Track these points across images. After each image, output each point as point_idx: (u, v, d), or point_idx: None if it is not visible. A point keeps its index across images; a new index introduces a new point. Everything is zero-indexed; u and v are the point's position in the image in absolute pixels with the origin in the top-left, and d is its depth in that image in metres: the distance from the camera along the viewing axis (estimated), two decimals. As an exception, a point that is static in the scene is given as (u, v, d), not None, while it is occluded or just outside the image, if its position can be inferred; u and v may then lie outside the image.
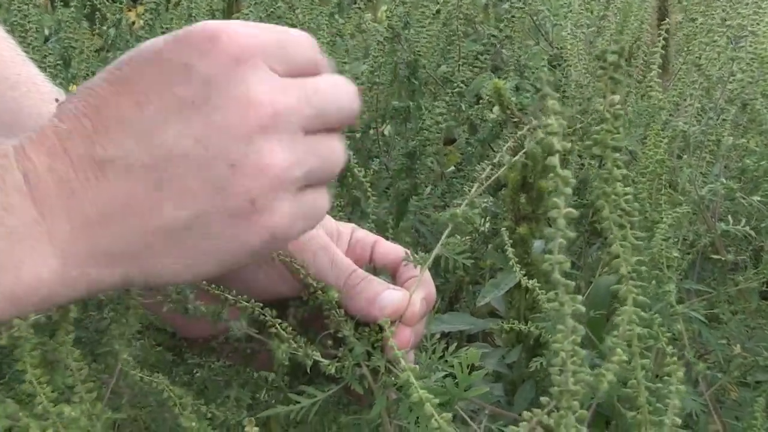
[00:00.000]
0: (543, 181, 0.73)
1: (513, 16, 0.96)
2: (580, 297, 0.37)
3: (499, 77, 1.02)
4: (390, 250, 0.61)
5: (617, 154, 0.38)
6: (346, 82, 0.51)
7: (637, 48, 0.82)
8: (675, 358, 0.45)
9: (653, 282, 0.63)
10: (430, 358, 0.57)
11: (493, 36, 0.93)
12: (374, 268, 0.60)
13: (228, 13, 1.29)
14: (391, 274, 0.60)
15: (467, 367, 0.52)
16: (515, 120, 0.72)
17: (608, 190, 0.39)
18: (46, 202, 0.44)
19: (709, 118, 0.65)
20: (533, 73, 0.98)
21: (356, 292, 0.57)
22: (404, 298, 0.56)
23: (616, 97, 0.37)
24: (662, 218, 0.62)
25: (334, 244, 0.59)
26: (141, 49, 0.46)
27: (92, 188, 0.44)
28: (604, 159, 0.38)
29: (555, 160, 0.37)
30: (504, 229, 0.76)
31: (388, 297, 0.56)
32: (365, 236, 0.62)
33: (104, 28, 1.00)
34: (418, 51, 0.91)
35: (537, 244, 0.81)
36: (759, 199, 0.73)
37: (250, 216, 0.46)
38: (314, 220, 0.50)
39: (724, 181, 0.70)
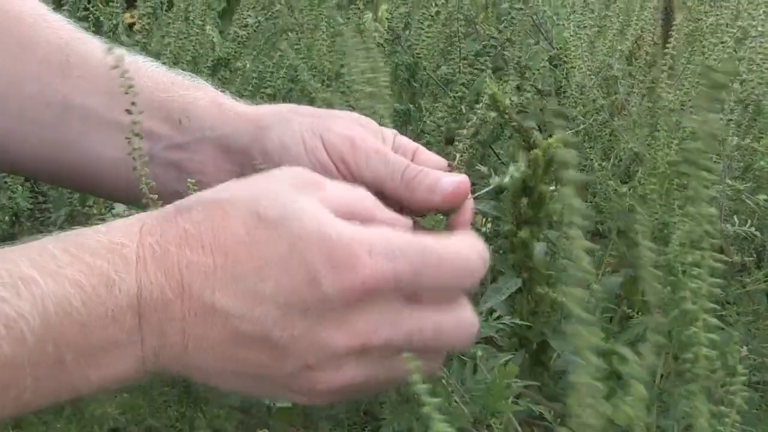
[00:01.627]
0: (544, 185, 0.72)
1: (513, 18, 0.95)
2: (599, 331, 0.37)
3: (500, 78, 1.01)
4: (431, 158, 0.63)
5: (706, 173, 0.37)
6: (471, 324, 0.53)
7: (639, 48, 0.81)
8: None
9: (668, 288, 0.62)
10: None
11: (494, 38, 0.92)
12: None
13: (228, 12, 1.28)
14: None
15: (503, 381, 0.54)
16: (513, 124, 0.71)
17: (693, 211, 0.38)
18: (148, 317, 0.48)
19: (719, 119, 0.64)
20: (534, 74, 0.97)
21: (416, 183, 0.59)
22: (464, 179, 0.59)
23: (715, 117, 0.35)
24: (675, 223, 0.61)
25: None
26: (288, 216, 0.49)
27: (190, 323, 0.48)
28: (690, 177, 0.37)
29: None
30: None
31: (448, 180, 0.58)
32: (407, 143, 0.64)
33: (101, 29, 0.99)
34: (419, 54, 0.90)
35: (538, 249, 0.80)
36: (765, 198, 0.73)
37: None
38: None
39: (730, 182, 0.69)
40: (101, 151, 0.67)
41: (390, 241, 0.49)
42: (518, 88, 0.99)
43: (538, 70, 0.97)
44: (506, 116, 0.71)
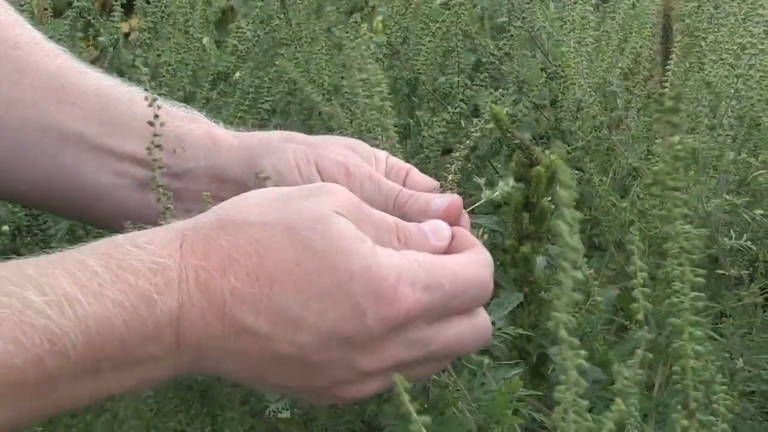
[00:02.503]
0: (545, 201, 0.73)
1: (512, 35, 0.96)
2: (583, 352, 0.38)
3: (496, 89, 1.02)
4: (422, 179, 0.65)
5: (677, 194, 0.39)
6: (486, 328, 0.56)
7: (637, 64, 0.82)
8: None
9: (666, 301, 0.63)
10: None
11: (492, 54, 0.93)
12: None
13: (223, 22, 1.28)
14: None
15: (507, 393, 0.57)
16: (516, 142, 0.71)
17: (668, 229, 0.40)
18: (187, 335, 0.49)
19: (718, 135, 0.65)
20: (532, 90, 0.98)
21: (408, 208, 0.61)
22: (454, 200, 0.61)
23: (676, 138, 0.37)
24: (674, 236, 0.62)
25: (374, 169, 0.63)
26: (336, 250, 0.50)
27: (229, 342, 0.50)
28: (664, 198, 0.38)
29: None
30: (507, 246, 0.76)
31: (438, 203, 0.60)
32: (399, 164, 0.66)
33: (99, 38, 0.99)
34: (418, 69, 0.91)
35: (540, 261, 0.80)
36: (761, 212, 0.74)
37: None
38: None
39: (727, 197, 0.70)
40: (95, 178, 0.68)
41: (427, 271, 0.52)
42: (514, 101, 1.00)
43: (536, 85, 0.97)
44: (509, 134, 0.72)
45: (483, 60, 0.94)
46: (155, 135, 0.59)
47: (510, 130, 0.74)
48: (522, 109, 0.97)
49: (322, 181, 0.62)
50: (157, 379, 0.51)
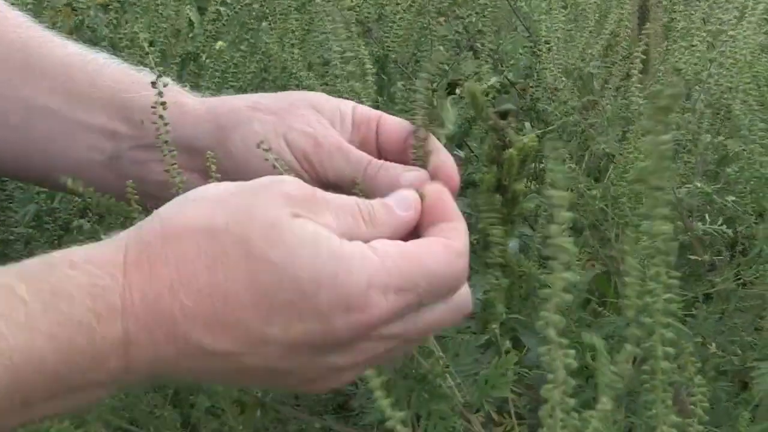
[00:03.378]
0: (518, 183, 0.72)
1: (485, 13, 0.94)
2: (572, 351, 0.37)
3: (476, 58, 1.00)
4: (395, 124, 0.62)
5: (659, 193, 0.38)
6: (464, 306, 0.53)
7: (616, 44, 0.80)
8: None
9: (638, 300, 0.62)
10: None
11: (462, 31, 0.91)
12: None
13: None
14: (398, 150, 0.61)
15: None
16: (491, 123, 0.70)
17: (648, 228, 0.39)
18: (135, 359, 0.45)
19: (689, 122, 0.64)
20: (511, 63, 0.97)
21: (377, 182, 0.59)
22: (423, 174, 0.58)
23: (667, 137, 0.35)
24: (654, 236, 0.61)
25: (338, 129, 0.61)
26: (293, 258, 0.47)
27: (186, 362, 0.47)
28: (645, 196, 0.37)
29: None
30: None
31: (408, 177, 0.58)
32: (368, 113, 0.63)
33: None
34: (389, 46, 0.89)
35: (512, 245, 0.80)
36: (733, 199, 0.73)
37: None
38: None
39: (699, 185, 0.69)
40: (66, 152, 0.65)
41: (400, 272, 0.48)
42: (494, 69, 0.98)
43: (511, 62, 0.96)
44: (483, 114, 0.70)
45: (452, 36, 0.92)
46: (160, 117, 0.58)
47: (485, 111, 0.73)
48: (503, 80, 0.96)
49: (291, 153, 0.60)
50: (104, 398, 0.48)
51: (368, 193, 0.58)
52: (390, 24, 0.90)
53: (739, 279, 0.74)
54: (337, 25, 0.66)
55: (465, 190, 0.93)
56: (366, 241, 0.50)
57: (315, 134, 0.60)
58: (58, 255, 0.46)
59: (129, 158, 0.65)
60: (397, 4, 0.92)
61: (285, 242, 0.46)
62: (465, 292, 0.53)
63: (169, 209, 0.49)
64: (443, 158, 0.61)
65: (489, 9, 0.89)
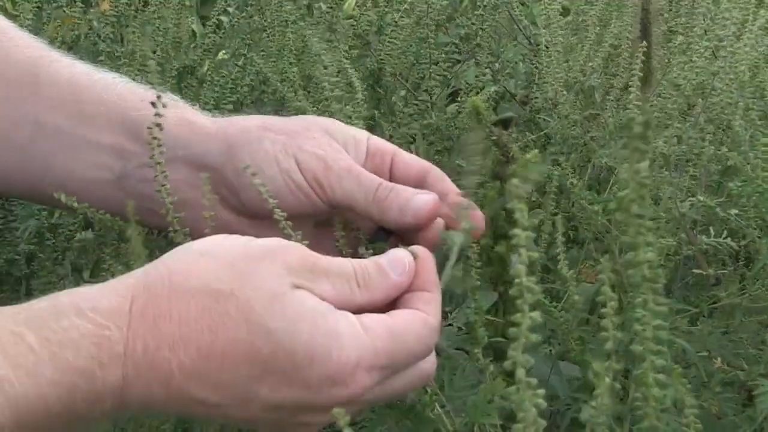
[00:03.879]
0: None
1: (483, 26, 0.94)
2: (542, 391, 0.37)
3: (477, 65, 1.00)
4: (412, 160, 0.62)
5: (641, 221, 0.37)
6: (427, 374, 0.55)
7: (618, 55, 0.80)
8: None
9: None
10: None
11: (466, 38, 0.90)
12: None
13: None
14: (413, 184, 0.61)
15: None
16: (494, 138, 0.69)
17: (631, 257, 0.39)
18: (129, 401, 0.48)
19: (689, 138, 0.63)
20: (511, 70, 0.96)
21: (387, 204, 0.59)
22: (435, 198, 0.58)
23: (643, 165, 0.35)
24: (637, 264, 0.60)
25: (352, 155, 0.61)
26: (291, 330, 0.49)
27: (171, 406, 0.49)
28: (627, 225, 0.37)
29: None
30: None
31: (420, 200, 0.58)
32: (383, 145, 0.63)
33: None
34: (382, 59, 0.88)
35: (515, 260, 0.79)
36: (737, 212, 0.72)
37: None
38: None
39: (701, 198, 0.69)
40: (71, 170, 0.65)
41: (387, 354, 0.51)
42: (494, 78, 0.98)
43: (510, 69, 0.95)
44: (487, 129, 0.70)
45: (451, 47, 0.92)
46: (155, 139, 0.58)
47: (489, 126, 0.72)
48: (503, 90, 0.95)
49: (301, 173, 0.60)
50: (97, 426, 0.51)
51: (378, 217, 0.59)
52: (388, 35, 0.89)
53: (744, 293, 0.73)
54: (322, 46, 0.65)
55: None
56: (360, 306, 0.52)
57: (325, 156, 0.60)
58: (65, 300, 0.48)
59: (137, 177, 0.64)
60: (397, 11, 0.92)
61: (285, 315, 0.49)
62: (431, 359, 0.55)
63: (176, 261, 0.51)
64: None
65: (487, 23, 0.88)
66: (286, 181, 0.60)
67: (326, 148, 0.61)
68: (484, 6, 0.94)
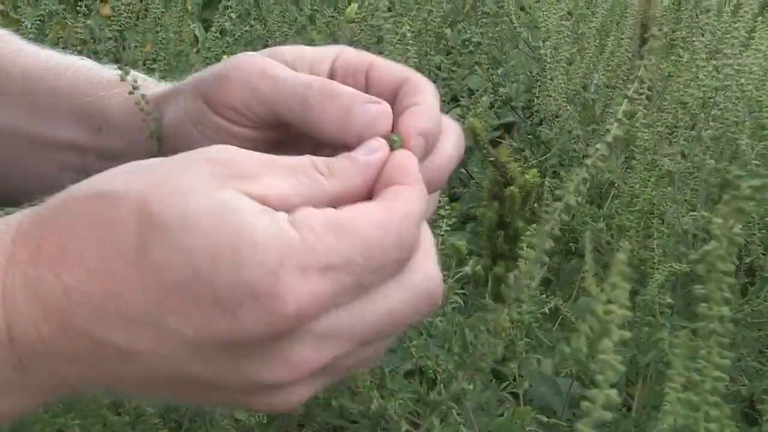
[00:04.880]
0: (520, 220, 0.71)
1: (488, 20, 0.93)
2: None
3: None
4: (389, 68, 0.46)
5: (723, 277, 0.37)
6: (427, 289, 0.40)
7: (618, 66, 0.79)
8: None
9: (645, 328, 0.62)
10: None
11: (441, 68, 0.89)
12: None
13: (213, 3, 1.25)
14: (389, 100, 0.44)
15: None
16: (491, 159, 0.69)
17: (704, 310, 0.38)
18: (30, 358, 0.38)
19: (695, 155, 0.63)
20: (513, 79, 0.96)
21: (320, 115, 0.43)
22: (385, 111, 0.43)
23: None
24: (655, 264, 0.60)
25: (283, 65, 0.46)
26: (187, 224, 0.37)
27: (87, 361, 0.38)
28: (706, 278, 0.36)
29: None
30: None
31: (360, 110, 0.43)
32: (356, 59, 0.47)
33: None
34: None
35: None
36: (740, 227, 0.71)
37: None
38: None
39: (705, 213, 0.68)
40: (42, 174, 0.57)
41: (327, 245, 0.37)
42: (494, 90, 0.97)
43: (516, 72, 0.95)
44: (484, 150, 0.69)
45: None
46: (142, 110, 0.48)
47: (486, 146, 0.72)
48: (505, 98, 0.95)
49: (216, 113, 0.47)
50: (23, 413, 0.41)
51: (317, 132, 0.44)
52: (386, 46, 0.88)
53: (748, 308, 0.73)
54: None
55: (464, 224, 0.92)
56: (333, 197, 0.40)
57: (248, 75, 0.46)
58: None
59: (98, 169, 0.54)
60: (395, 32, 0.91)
61: (186, 212, 0.37)
62: (426, 270, 0.40)
63: (86, 180, 0.40)
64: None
65: (489, 35, 0.87)
66: (200, 130, 0.48)
67: (255, 70, 0.46)
68: (486, 14, 0.93)
